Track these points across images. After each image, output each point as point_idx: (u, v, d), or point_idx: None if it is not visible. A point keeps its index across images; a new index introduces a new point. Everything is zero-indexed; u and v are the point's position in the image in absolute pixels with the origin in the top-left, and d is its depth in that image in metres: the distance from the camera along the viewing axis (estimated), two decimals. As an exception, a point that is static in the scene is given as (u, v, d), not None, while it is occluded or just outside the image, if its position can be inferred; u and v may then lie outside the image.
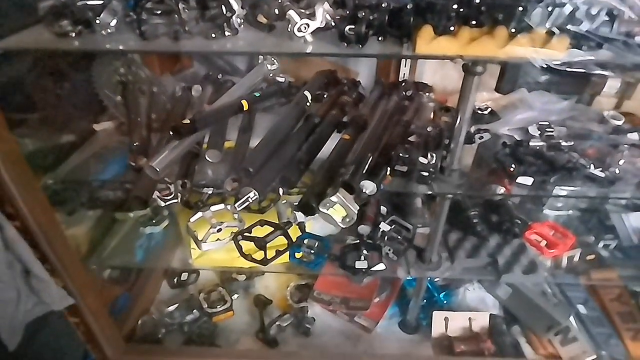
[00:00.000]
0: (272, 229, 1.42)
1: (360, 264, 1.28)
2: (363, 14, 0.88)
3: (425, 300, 1.63)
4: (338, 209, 0.97)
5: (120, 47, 0.95)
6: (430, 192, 1.10)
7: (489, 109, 1.36)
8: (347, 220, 0.98)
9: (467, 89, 0.98)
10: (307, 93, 1.29)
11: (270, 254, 1.35)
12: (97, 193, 1.38)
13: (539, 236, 1.44)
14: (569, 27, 0.87)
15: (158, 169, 1.01)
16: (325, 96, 1.39)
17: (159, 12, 0.99)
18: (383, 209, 1.48)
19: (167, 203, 1.28)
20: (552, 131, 1.29)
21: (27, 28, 0.99)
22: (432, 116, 1.33)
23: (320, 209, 0.98)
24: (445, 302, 1.66)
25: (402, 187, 1.11)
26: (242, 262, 1.33)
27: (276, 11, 0.95)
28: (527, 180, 1.10)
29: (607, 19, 0.92)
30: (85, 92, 1.35)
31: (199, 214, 1.41)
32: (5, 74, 1.08)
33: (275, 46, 0.94)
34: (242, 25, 0.98)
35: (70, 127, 1.32)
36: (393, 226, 1.40)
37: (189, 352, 1.57)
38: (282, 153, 1.10)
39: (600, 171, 1.09)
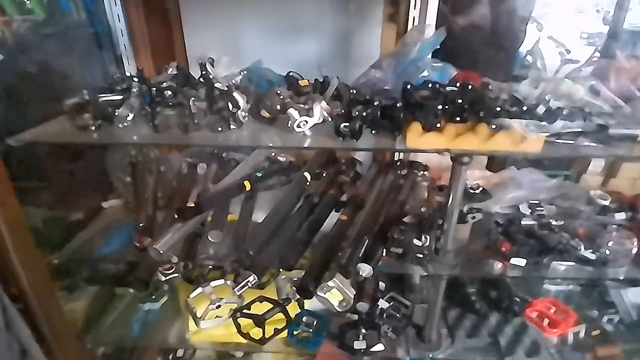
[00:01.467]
0: (271, 305, 1.42)
1: (359, 344, 1.27)
2: (357, 111, 0.97)
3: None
4: (335, 293, 0.99)
5: (135, 139, 1.03)
6: (425, 274, 1.12)
7: (481, 188, 1.42)
8: (344, 304, 1.00)
9: (456, 176, 1.05)
10: (306, 174, 1.37)
11: (269, 332, 1.34)
12: (99, 267, 1.41)
13: (541, 314, 1.43)
14: (544, 124, 0.95)
15: (161, 251, 1.05)
16: (324, 174, 1.46)
17: (171, 104, 1.09)
18: (382, 285, 1.48)
19: (167, 277, 1.30)
20: (542, 210, 1.34)
21: (50, 120, 1.09)
22: (426, 195, 1.38)
23: (318, 293, 1.00)
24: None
25: (398, 268, 1.14)
26: (240, 338, 1.32)
27: (278, 107, 1.05)
28: (521, 262, 1.13)
29: (583, 113, 1.02)
30: (97, 171, 1.43)
31: (199, 290, 1.42)
32: (24, 159, 1.16)
33: (277, 140, 1.02)
34: (247, 118, 1.07)
35: (79, 204, 1.38)
36: (392, 303, 1.40)
37: None
38: (282, 234, 1.15)
39: (591, 252, 1.12)
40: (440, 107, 0.94)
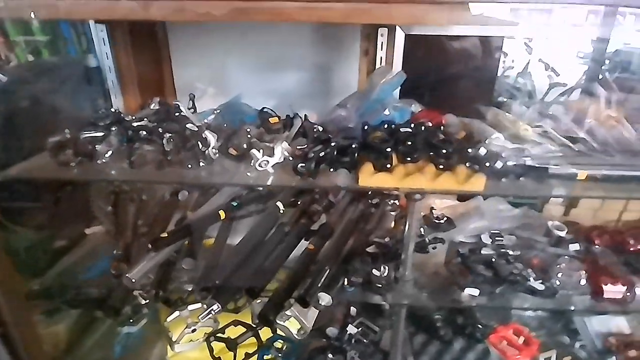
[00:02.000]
0: (245, 329, 1.48)
1: (325, 370, 1.32)
2: (313, 152, 1.05)
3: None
4: (293, 322, 1.05)
5: (113, 174, 1.11)
6: (383, 303, 1.19)
7: (446, 218, 1.49)
8: (302, 332, 1.06)
9: (411, 211, 1.12)
10: (279, 203, 1.44)
11: (240, 356, 1.40)
12: (79, 292, 1.47)
13: (505, 340, 1.48)
14: (487, 164, 1.03)
15: (134, 280, 1.12)
16: (299, 203, 1.53)
17: (147, 141, 1.17)
18: (353, 310, 1.54)
19: (145, 302, 1.36)
20: (502, 240, 1.40)
21: (36, 154, 1.18)
22: (393, 225, 1.45)
23: (277, 321, 1.06)
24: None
25: (360, 297, 1.20)
26: (216, 361, 1.37)
27: (245, 145, 1.14)
28: (474, 292, 1.19)
29: (523, 153, 1.10)
30: (81, 199, 1.51)
31: (177, 313, 1.47)
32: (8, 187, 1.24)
33: (242, 178, 1.09)
34: (217, 155, 1.16)
35: (64, 231, 1.45)
36: (360, 328, 1.45)
37: None
38: (250, 263, 1.21)
39: (541, 283, 1.18)
40: (389, 148, 1.02)
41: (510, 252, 1.33)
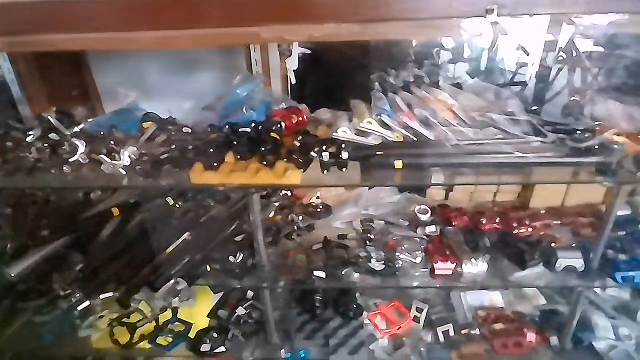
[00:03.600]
0: (144, 314, 1.62)
1: (205, 347, 1.46)
2: (155, 153, 1.17)
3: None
4: (144, 305, 1.19)
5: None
6: (239, 287, 1.32)
7: (323, 205, 1.61)
8: (150, 315, 1.20)
9: (252, 205, 1.23)
10: (169, 199, 1.57)
11: (136, 338, 1.55)
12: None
13: (383, 317, 1.60)
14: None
15: (12, 275, 1.27)
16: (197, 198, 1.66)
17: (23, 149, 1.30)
18: (250, 293, 1.68)
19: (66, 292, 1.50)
20: (372, 225, 1.52)
21: None
22: (272, 215, 1.58)
23: (132, 304, 1.20)
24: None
25: (219, 281, 1.33)
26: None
27: (105, 150, 1.26)
28: (321, 274, 1.31)
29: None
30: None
31: (87, 302, 1.63)
32: None
33: (102, 179, 1.21)
34: (87, 161, 1.28)
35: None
36: (249, 310, 1.59)
37: None
38: (136, 254, 1.35)
39: (382, 264, 1.29)
40: (212, 149, 1.14)
41: (372, 237, 1.45)
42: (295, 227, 1.50)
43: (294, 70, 1.93)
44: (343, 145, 1.16)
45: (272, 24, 0.77)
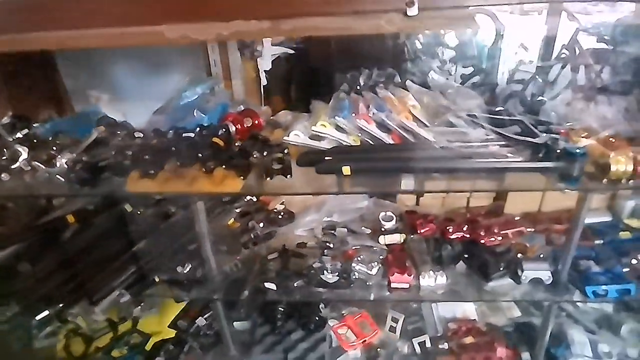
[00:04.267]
0: (106, 323, 1.58)
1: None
2: (90, 162, 1.12)
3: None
4: (80, 320, 1.14)
5: None
6: (186, 299, 1.26)
7: (286, 212, 1.54)
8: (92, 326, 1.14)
9: (196, 212, 1.17)
10: (127, 206, 1.52)
11: (92, 349, 1.50)
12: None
13: (349, 329, 1.53)
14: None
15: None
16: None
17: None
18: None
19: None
20: (333, 233, 1.44)
21: None
22: (232, 222, 1.51)
23: (69, 318, 1.15)
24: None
25: (168, 293, 1.27)
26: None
27: (44, 157, 1.21)
28: (272, 286, 1.24)
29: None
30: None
31: (46, 312, 1.59)
32: None
33: (43, 187, 1.16)
34: (25, 167, 1.24)
35: None
36: (209, 321, 1.53)
37: None
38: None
39: (337, 276, 1.22)
40: (147, 155, 1.08)
41: (330, 245, 1.37)
42: (252, 235, 1.43)
43: (266, 71, 1.90)
44: (285, 151, 1.08)
45: (176, 23, 0.70)
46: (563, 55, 1.55)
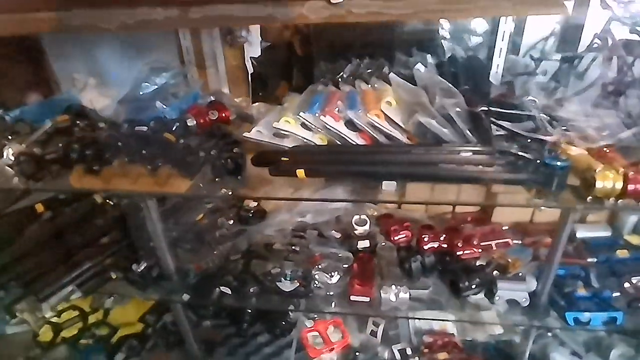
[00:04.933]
0: (77, 313, 1.57)
1: (120, 356, 1.38)
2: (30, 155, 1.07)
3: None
4: (26, 316, 1.11)
5: None
6: (144, 298, 1.21)
7: (257, 209, 1.46)
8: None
9: (147, 212, 1.11)
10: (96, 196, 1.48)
11: (59, 339, 1.49)
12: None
13: (319, 333, 1.46)
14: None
15: None
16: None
17: None
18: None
19: None
20: (302, 235, 1.36)
21: None
22: (200, 217, 1.45)
23: (17, 314, 1.12)
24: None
25: (120, 291, 1.23)
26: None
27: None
28: (227, 290, 1.18)
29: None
30: None
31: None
32: None
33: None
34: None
35: None
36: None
37: None
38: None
39: (295, 283, 1.14)
40: (89, 150, 1.01)
41: (297, 249, 1.30)
42: (218, 234, 1.36)
43: (254, 58, 1.80)
44: (235, 150, 1.00)
45: (78, 8, 0.62)
46: (595, 46, 1.42)
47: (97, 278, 1.23)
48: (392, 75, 1.38)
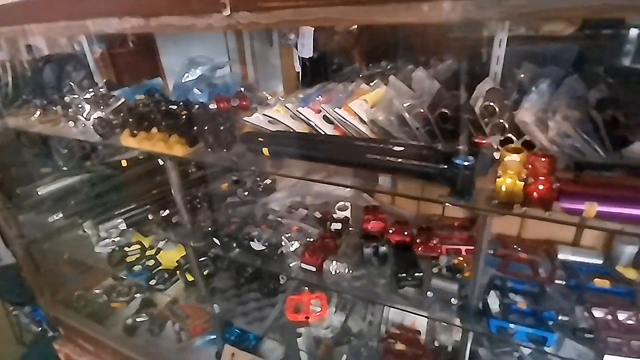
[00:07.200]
0: (139, 247, 2.06)
1: (152, 282, 1.79)
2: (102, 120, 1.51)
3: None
4: (89, 231, 1.57)
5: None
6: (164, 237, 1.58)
7: (266, 185, 1.72)
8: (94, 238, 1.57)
9: (167, 171, 1.46)
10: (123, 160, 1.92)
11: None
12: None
13: (301, 302, 1.64)
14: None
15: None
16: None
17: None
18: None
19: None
20: (293, 210, 1.57)
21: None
22: (227, 185, 1.77)
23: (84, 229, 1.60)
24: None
25: (153, 230, 1.62)
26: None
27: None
28: (217, 241, 1.46)
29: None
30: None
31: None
32: None
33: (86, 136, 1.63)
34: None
35: None
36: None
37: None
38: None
39: (262, 245, 1.36)
40: (139, 118, 1.40)
41: (283, 221, 1.51)
42: (229, 200, 1.67)
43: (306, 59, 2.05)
44: (222, 127, 1.27)
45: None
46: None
47: (139, 217, 1.64)
48: (391, 77, 1.49)
